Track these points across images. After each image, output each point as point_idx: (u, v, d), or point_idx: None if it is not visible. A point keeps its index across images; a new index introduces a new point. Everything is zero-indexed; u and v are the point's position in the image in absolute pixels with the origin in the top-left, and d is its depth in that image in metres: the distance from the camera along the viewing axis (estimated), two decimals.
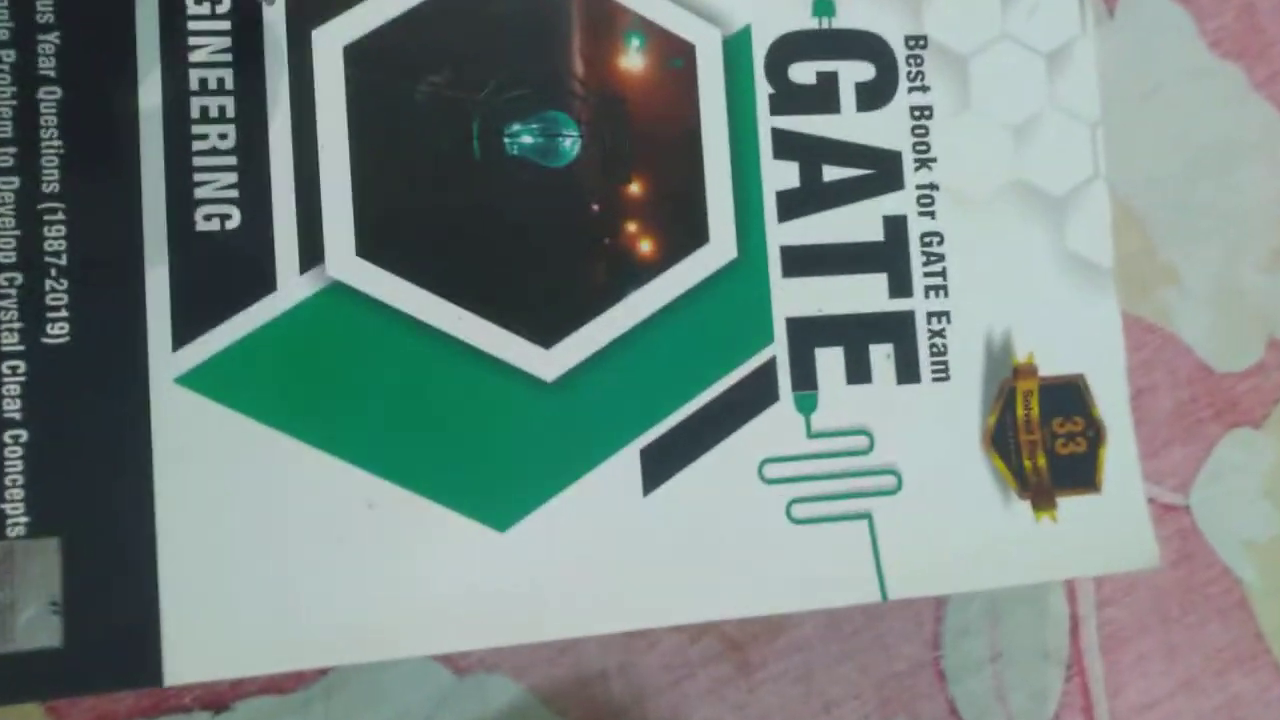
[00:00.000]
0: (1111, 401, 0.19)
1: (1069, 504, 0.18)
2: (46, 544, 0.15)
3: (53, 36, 0.16)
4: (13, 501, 0.15)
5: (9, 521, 0.15)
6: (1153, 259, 0.23)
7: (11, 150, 0.15)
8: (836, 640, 0.21)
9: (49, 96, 0.15)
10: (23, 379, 0.15)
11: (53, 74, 0.16)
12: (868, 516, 0.17)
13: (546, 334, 0.17)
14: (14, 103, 0.15)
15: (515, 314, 0.17)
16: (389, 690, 0.19)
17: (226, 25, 0.16)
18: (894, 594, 0.17)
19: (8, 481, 0.15)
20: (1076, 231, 0.19)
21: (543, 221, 0.17)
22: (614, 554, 0.17)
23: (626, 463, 0.17)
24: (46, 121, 0.15)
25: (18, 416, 0.15)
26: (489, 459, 0.16)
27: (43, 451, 0.15)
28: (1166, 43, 0.23)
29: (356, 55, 0.16)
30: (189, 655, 0.15)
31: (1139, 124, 0.23)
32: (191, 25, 0.16)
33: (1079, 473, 0.18)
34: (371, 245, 0.16)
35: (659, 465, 0.17)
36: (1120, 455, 0.19)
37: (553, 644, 0.20)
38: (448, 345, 0.16)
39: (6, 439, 0.15)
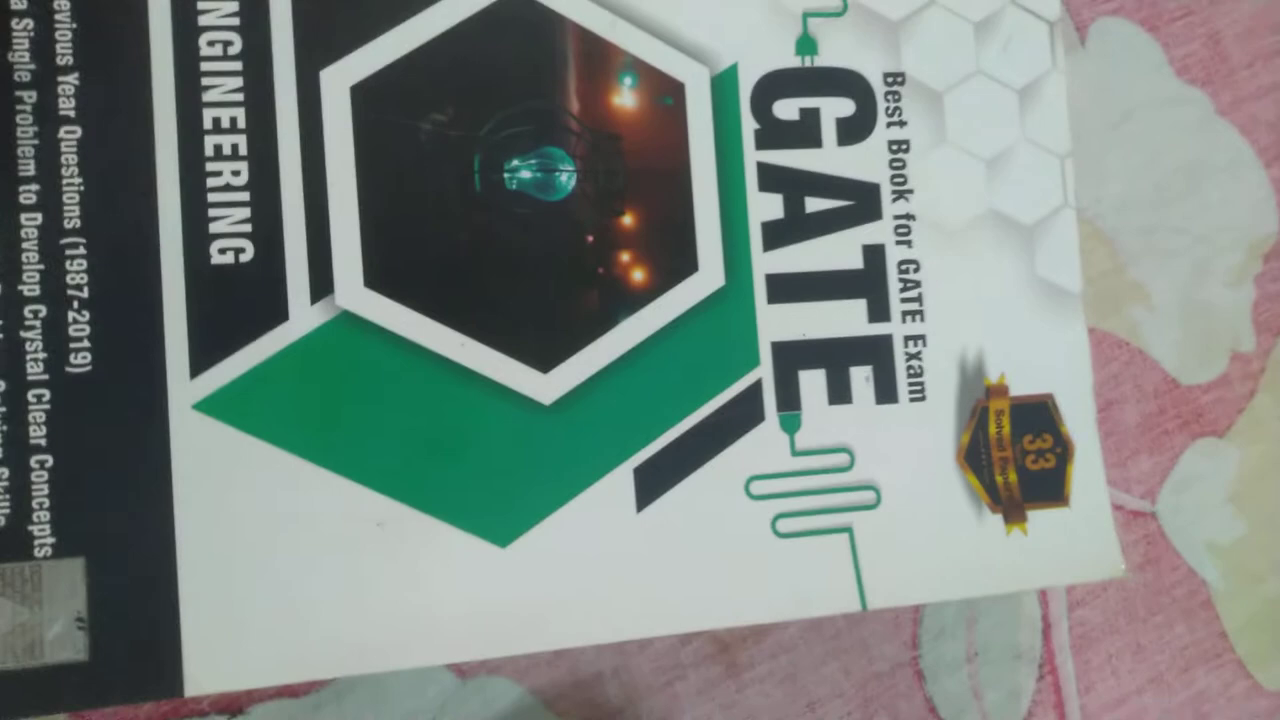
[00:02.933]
0: (1079, 419, 0.20)
1: (1039, 517, 0.19)
2: (72, 564, 0.16)
3: (72, 78, 0.16)
4: (40, 524, 0.16)
5: (36, 543, 0.16)
6: (1122, 277, 0.24)
7: (34, 188, 0.16)
8: (820, 642, 0.22)
9: (69, 136, 0.16)
10: (47, 407, 0.16)
11: (72, 114, 0.16)
12: (849, 530, 0.18)
13: (544, 359, 0.18)
14: (36, 142, 0.16)
15: (515, 340, 0.17)
16: (396, 693, 0.20)
17: (238, 66, 0.17)
18: (873, 604, 0.18)
19: (34, 505, 0.16)
20: (1046, 258, 0.20)
21: (540, 252, 0.18)
22: (608, 568, 0.18)
23: (620, 481, 0.18)
24: (67, 160, 0.16)
25: (43, 443, 0.16)
26: (491, 478, 0.17)
27: (67, 476, 0.16)
28: (1135, 70, 0.24)
29: (363, 95, 0.17)
30: (208, 667, 0.16)
31: (1109, 149, 0.24)
32: (204, 66, 0.17)
33: (1048, 487, 0.19)
34: (379, 276, 0.17)
35: (651, 483, 0.18)
36: (1087, 470, 0.20)
37: None
38: (451, 371, 0.17)
39: (33, 464, 0.16)
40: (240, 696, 0.19)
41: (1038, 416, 0.19)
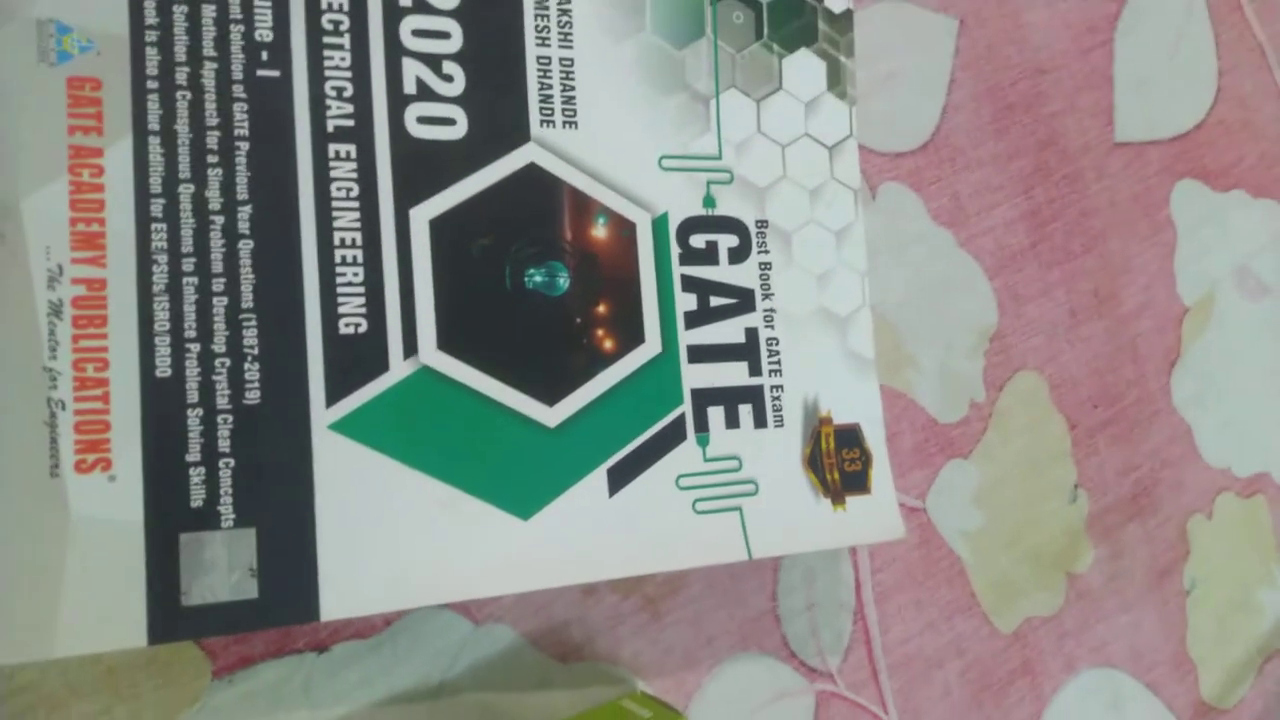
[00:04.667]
0: (875, 440, 0.31)
1: (852, 501, 0.30)
2: (247, 532, 0.24)
3: (247, 209, 0.25)
4: (225, 505, 0.24)
5: (222, 518, 0.24)
6: (900, 351, 0.36)
7: (223, 280, 0.24)
8: (714, 596, 0.32)
9: (245, 247, 0.25)
10: (231, 427, 0.24)
11: (248, 232, 0.25)
12: (739, 509, 0.29)
13: (550, 398, 0.27)
14: (224, 250, 0.24)
15: (532, 385, 0.27)
16: (430, 635, 0.28)
17: (357, 204, 0.26)
18: (756, 555, 0.29)
19: (221, 493, 0.24)
20: (853, 338, 0.31)
21: (547, 329, 0.27)
22: (591, 533, 0.27)
23: (598, 478, 0.27)
24: (244, 263, 0.25)
25: (228, 450, 0.24)
26: (517, 475, 0.26)
27: (244, 473, 0.24)
28: (906, 217, 0.37)
29: (437, 225, 0.26)
30: (336, 602, 0.24)
31: (893, 267, 0.36)
32: (334, 204, 0.25)
33: (858, 482, 0.31)
34: (446, 343, 0.26)
35: (617, 479, 0.28)
36: (880, 473, 0.31)
37: (536, 602, 0.29)
38: (491, 403, 0.26)
39: (220, 465, 0.24)
40: (325, 637, 0.27)
41: (850, 437, 0.31)
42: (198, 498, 0.23)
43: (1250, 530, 0.44)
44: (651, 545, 0.28)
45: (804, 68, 0.31)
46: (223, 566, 0.23)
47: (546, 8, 0.28)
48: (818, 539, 0.30)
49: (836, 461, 0.30)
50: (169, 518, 0.23)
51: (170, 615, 0.23)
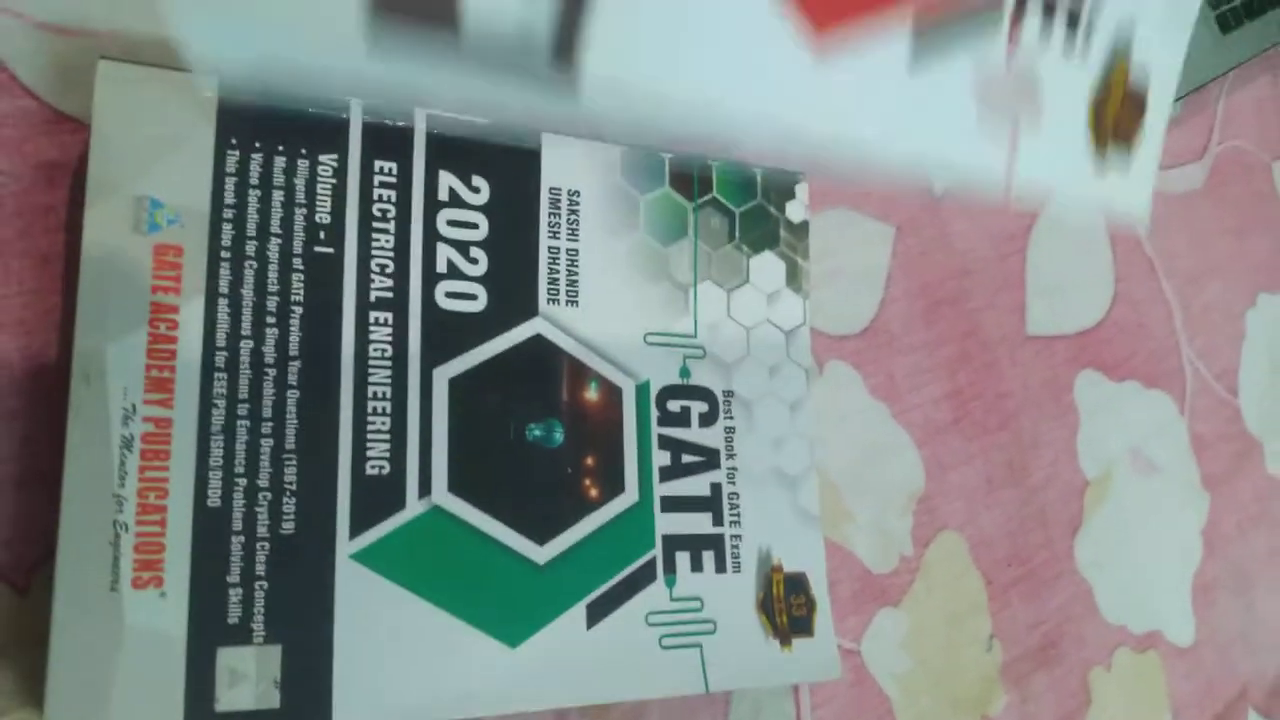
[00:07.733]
0: (819, 589, 0.35)
1: (798, 643, 0.34)
2: (274, 649, 0.27)
3: (297, 364, 0.29)
4: (257, 623, 0.27)
5: (254, 635, 0.27)
6: (840, 508, 0.41)
7: (270, 424, 0.28)
8: None
9: (292, 396, 0.29)
10: (266, 552, 0.27)
11: (296, 384, 0.29)
12: (700, 646, 0.33)
13: (542, 537, 0.31)
14: (274, 398, 0.28)
15: (526, 525, 0.31)
16: None
17: (389, 364, 0.30)
18: (713, 688, 0.32)
19: (255, 611, 0.27)
20: (802, 496, 0.36)
21: (543, 477, 0.32)
22: (570, 661, 0.31)
23: (579, 612, 0.31)
24: (290, 409, 0.28)
25: (262, 574, 0.27)
26: (509, 606, 0.30)
27: (275, 595, 0.27)
28: (848, 390, 0.42)
29: (456, 383, 0.31)
30: (346, 715, 0.27)
31: (835, 435, 0.41)
32: (371, 362, 0.30)
33: (803, 626, 0.35)
34: (455, 485, 0.30)
35: (596, 613, 0.31)
36: (823, 619, 0.35)
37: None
38: (490, 541, 0.30)
39: (255, 587, 0.27)
40: None
41: (798, 584, 0.35)
42: (234, 615, 0.27)
43: (1144, 682, 0.48)
44: (623, 675, 0.31)
45: (767, 266, 0.37)
46: (251, 678, 0.26)
47: (559, 208, 0.33)
48: (767, 676, 0.34)
49: (785, 606, 0.34)
50: (209, 632, 0.26)
51: None
